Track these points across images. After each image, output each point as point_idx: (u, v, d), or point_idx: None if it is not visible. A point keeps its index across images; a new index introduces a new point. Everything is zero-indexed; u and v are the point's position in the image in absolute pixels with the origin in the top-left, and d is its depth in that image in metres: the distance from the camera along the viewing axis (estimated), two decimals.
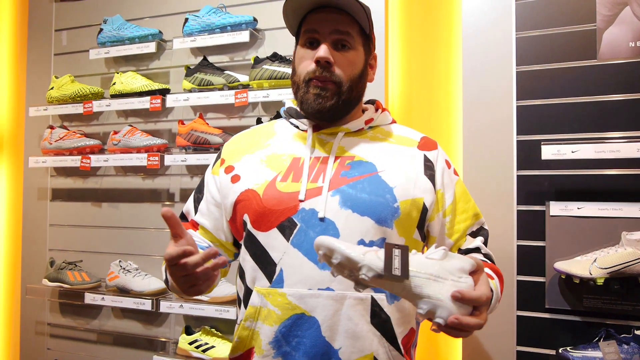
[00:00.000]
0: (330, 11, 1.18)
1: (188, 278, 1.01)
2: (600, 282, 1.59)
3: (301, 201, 1.13)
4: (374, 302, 1.11)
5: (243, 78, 2.12)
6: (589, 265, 1.62)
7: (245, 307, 1.17)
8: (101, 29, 2.35)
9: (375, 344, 1.10)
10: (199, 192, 1.32)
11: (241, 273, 1.22)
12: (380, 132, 1.27)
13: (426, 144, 1.26)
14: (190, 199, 1.34)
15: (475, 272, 0.96)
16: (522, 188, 1.79)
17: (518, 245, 1.79)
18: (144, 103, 2.22)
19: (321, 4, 1.18)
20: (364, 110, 1.32)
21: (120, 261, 2.30)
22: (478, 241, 1.24)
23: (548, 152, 1.65)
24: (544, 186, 1.77)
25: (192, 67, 2.23)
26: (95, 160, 2.29)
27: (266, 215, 1.14)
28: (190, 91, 2.19)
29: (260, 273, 1.15)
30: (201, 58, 2.26)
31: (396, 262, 0.88)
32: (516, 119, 1.80)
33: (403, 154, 1.22)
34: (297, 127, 1.26)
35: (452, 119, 1.97)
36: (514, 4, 1.82)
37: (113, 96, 2.32)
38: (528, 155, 1.78)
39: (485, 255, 1.24)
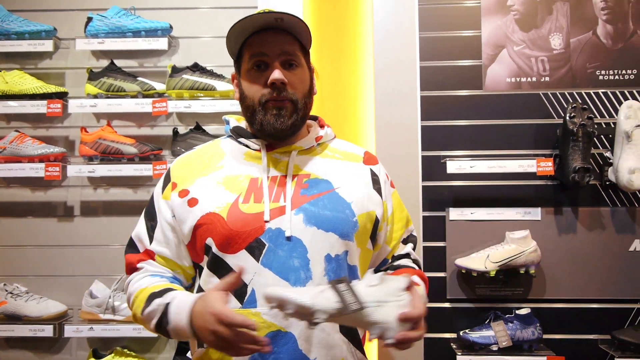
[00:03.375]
0: (274, 32, 1.21)
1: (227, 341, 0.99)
2: (492, 274, 1.94)
3: (266, 222, 1.16)
4: None
5: (159, 86, 2.05)
6: (483, 260, 1.96)
7: None
8: None
9: (345, 350, 1.19)
10: (151, 219, 1.25)
11: None
12: (327, 149, 1.34)
13: (370, 159, 1.37)
14: (141, 227, 1.26)
15: (409, 288, 1.08)
16: (426, 197, 2.08)
17: (424, 246, 2.07)
18: (38, 107, 1.99)
19: (266, 26, 1.21)
20: (308, 127, 1.37)
21: (4, 284, 2.02)
22: (408, 247, 1.39)
23: (452, 166, 1.96)
24: (444, 195, 2.08)
25: (96, 70, 2.07)
26: None
27: (233, 238, 1.15)
28: (95, 96, 2.04)
29: (229, 295, 1.14)
30: (103, 61, 2.12)
31: (348, 297, 0.96)
32: (421, 137, 2.08)
33: (353, 170, 1.31)
34: (247, 146, 1.28)
35: (364, 137, 2.18)
36: (417, 37, 2.10)
37: None
38: (431, 168, 2.08)
39: (414, 261, 1.40)
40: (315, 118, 1.40)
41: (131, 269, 1.24)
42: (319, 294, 0.96)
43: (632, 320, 2.01)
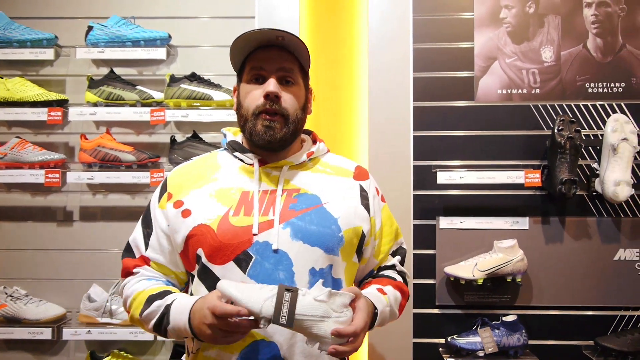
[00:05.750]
0: (276, 50, 1.28)
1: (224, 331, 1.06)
2: (480, 282, 1.99)
3: (255, 235, 1.20)
4: None
5: (157, 95, 2.09)
6: (471, 268, 2.01)
7: None
8: None
9: (326, 359, 1.24)
10: (147, 226, 1.30)
11: None
12: (319, 163, 1.38)
13: (360, 174, 1.41)
14: (138, 233, 1.31)
15: (355, 301, 1.13)
16: (417, 205, 2.13)
17: (414, 254, 2.12)
18: (39, 115, 2.04)
19: (267, 43, 1.28)
20: (301, 141, 1.42)
21: (5, 287, 2.07)
22: (395, 260, 1.44)
23: (442, 177, 2.01)
24: (435, 204, 2.13)
25: (96, 78, 2.11)
26: None
27: (222, 250, 1.19)
28: (95, 104, 2.08)
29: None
30: (103, 69, 2.16)
31: (284, 310, 1.03)
32: (413, 147, 2.13)
33: (342, 185, 1.35)
34: (242, 160, 1.32)
35: (357, 146, 2.23)
36: (411, 48, 2.14)
37: None
38: (422, 178, 2.13)
39: (399, 272, 1.44)
40: (309, 132, 1.44)
41: (127, 272, 1.29)
42: (267, 300, 1.03)
43: (615, 327, 2.06)
